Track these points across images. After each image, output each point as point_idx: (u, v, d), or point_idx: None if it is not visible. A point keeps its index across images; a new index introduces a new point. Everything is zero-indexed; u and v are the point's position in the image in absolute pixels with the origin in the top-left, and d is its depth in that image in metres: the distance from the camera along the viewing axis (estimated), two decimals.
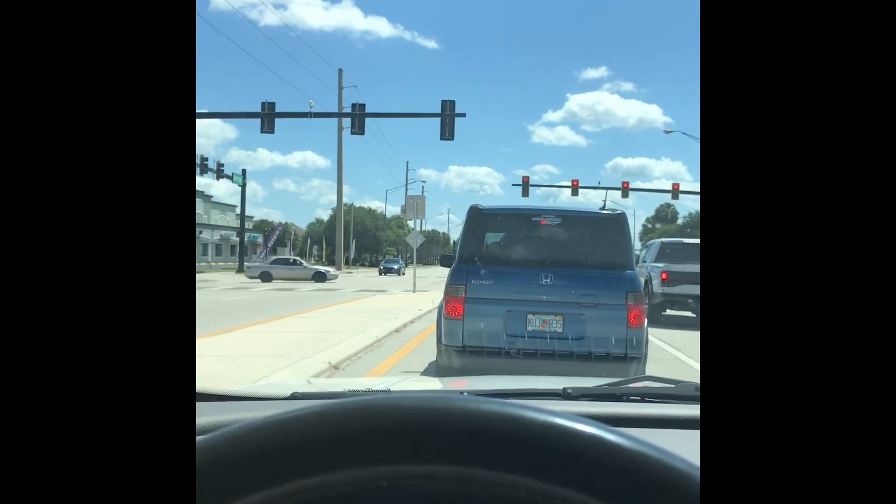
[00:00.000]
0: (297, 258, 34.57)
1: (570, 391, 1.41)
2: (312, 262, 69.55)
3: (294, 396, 1.43)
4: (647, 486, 0.37)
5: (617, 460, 0.37)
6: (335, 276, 32.49)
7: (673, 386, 1.55)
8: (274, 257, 37.59)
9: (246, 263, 36.99)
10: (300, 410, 0.40)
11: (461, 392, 1.52)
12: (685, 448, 1.13)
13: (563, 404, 1.33)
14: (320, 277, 30.44)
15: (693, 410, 1.29)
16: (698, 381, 1.60)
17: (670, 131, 46.08)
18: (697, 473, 0.38)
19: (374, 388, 1.62)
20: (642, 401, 1.44)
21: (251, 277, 31.08)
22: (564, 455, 0.37)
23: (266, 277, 30.58)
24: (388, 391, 1.55)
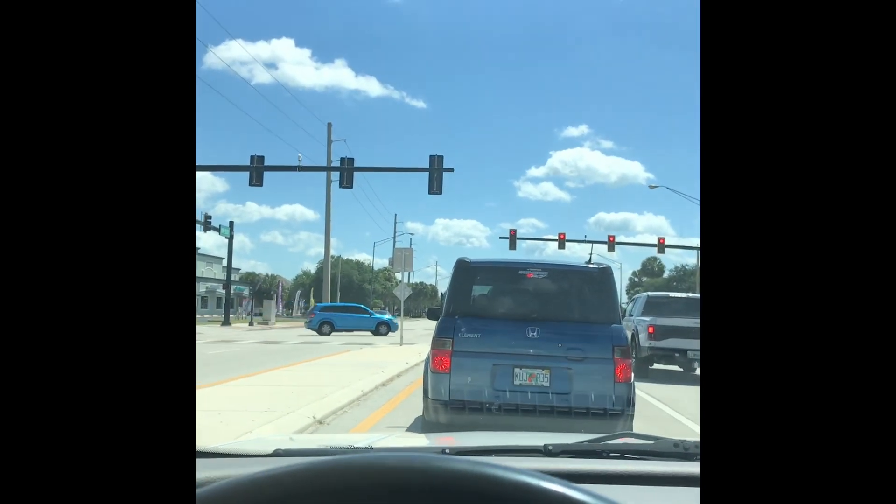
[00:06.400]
0: None
1: (550, 448, 1.43)
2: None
3: (276, 453, 1.44)
4: None
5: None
6: None
7: (652, 442, 1.57)
8: None
9: None
10: (269, 472, 0.42)
11: (443, 449, 1.52)
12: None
13: (544, 461, 1.34)
14: None
15: (671, 467, 1.31)
16: (685, 436, 1.62)
17: (655, 186, 46.77)
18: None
19: (355, 445, 1.61)
20: (622, 457, 1.45)
21: None
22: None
23: None
24: (370, 448, 1.55)
